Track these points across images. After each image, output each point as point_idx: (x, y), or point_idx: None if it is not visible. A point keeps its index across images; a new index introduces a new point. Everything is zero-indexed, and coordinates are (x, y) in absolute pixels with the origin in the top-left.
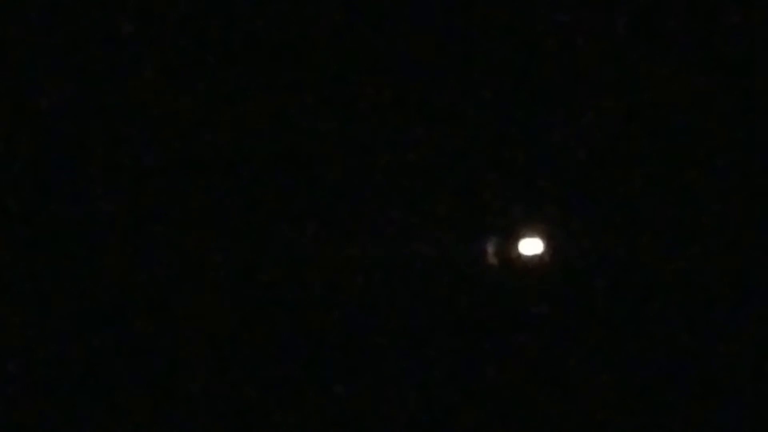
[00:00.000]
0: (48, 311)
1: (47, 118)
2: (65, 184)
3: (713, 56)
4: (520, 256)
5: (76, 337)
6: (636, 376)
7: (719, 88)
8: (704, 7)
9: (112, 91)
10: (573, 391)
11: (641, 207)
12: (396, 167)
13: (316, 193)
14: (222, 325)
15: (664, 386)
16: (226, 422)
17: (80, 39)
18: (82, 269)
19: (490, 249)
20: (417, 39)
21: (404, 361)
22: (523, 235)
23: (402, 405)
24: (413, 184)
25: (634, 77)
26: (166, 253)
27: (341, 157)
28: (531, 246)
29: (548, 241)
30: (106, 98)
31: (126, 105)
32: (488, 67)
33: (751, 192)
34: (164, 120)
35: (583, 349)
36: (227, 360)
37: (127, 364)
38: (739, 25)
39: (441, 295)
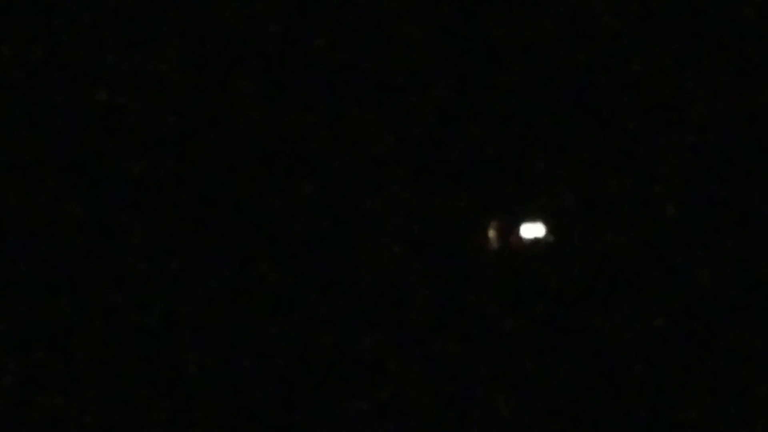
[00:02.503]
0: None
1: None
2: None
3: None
4: (521, 240)
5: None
6: (638, 360)
7: (719, 72)
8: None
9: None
10: (575, 375)
11: (644, 191)
12: (396, 151)
13: (313, 178)
14: (223, 317)
15: (665, 369)
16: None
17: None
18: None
19: (492, 233)
20: (413, 23)
21: (402, 346)
22: (525, 220)
23: (402, 388)
24: (414, 169)
25: (636, 57)
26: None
27: (339, 141)
28: (532, 230)
29: (550, 225)
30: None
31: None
32: (487, 52)
33: (753, 173)
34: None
35: (585, 334)
36: (226, 354)
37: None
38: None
39: (441, 279)
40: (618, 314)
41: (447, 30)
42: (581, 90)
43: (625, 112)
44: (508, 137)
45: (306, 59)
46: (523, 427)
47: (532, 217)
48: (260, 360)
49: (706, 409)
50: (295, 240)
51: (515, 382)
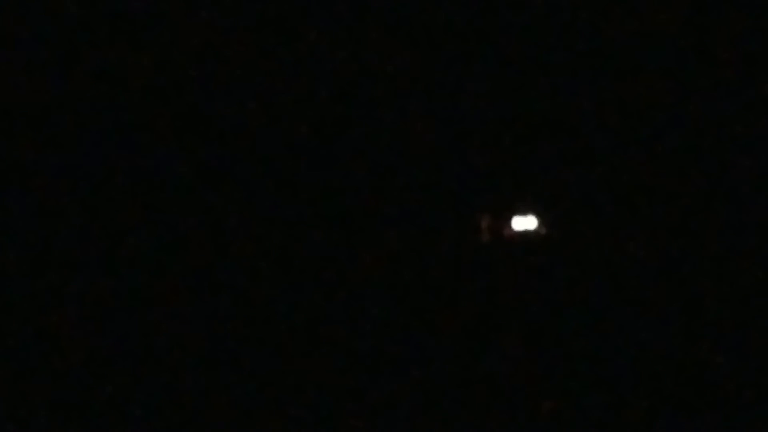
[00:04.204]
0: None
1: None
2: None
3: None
4: (513, 232)
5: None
6: (628, 351)
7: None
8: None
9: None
10: (566, 364)
11: (633, 183)
12: (390, 147)
13: (308, 173)
14: (224, 319)
15: (656, 358)
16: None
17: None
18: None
19: (484, 226)
20: (408, 19)
21: (400, 340)
22: (516, 212)
23: (400, 381)
24: (407, 164)
25: (627, 55)
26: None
27: (336, 136)
28: (524, 223)
29: (541, 217)
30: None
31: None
32: (482, 49)
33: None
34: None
35: (576, 324)
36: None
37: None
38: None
39: (435, 271)
40: (610, 303)
41: (441, 26)
42: (572, 87)
43: (615, 108)
44: (501, 132)
45: (305, 57)
46: (515, 413)
47: (523, 210)
48: (259, 356)
49: (697, 399)
50: (292, 236)
51: (509, 370)
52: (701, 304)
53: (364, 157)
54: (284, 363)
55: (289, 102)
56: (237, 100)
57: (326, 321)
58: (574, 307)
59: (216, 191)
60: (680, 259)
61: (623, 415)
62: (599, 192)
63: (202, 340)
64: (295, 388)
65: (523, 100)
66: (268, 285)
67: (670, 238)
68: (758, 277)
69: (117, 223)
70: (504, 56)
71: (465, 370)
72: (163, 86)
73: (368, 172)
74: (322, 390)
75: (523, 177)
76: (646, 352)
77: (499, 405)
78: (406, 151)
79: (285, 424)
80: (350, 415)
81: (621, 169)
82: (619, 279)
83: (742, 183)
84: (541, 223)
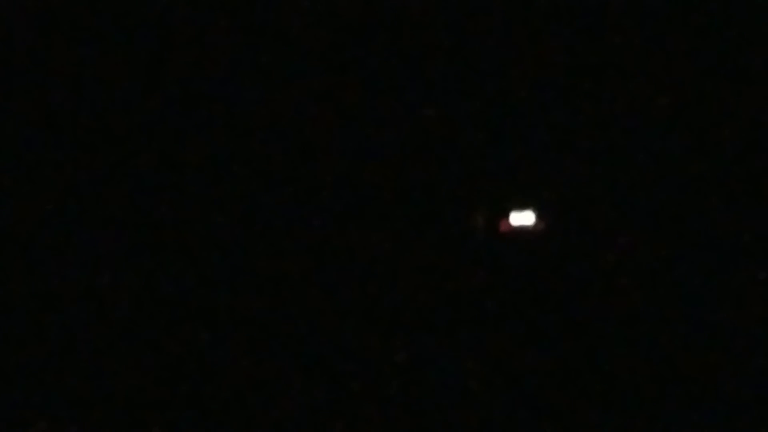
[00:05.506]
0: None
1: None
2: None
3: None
4: (511, 228)
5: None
6: (626, 344)
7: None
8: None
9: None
10: (564, 358)
11: (630, 179)
12: (387, 144)
13: (306, 170)
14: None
15: (654, 352)
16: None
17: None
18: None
19: (481, 222)
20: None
21: (398, 337)
22: (514, 208)
23: (401, 376)
24: (404, 161)
25: (623, 49)
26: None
27: (334, 133)
28: (522, 218)
29: (539, 212)
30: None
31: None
32: (480, 47)
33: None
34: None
35: (574, 318)
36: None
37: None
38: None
39: (433, 268)
40: (605, 297)
41: (437, 22)
42: (568, 81)
43: (612, 106)
44: (497, 129)
45: (301, 56)
46: (510, 405)
47: (521, 205)
48: (254, 354)
49: (690, 395)
50: (287, 232)
51: (507, 364)
52: (699, 297)
53: (360, 152)
54: (279, 362)
55: (286, 97)
56: (235, 96)
57: (321, 319)
58: (572, 302)
59: (214, 187)
60: (678, 254)
61: (622, 412)
62: (597, 186)
63: (201, 339)
64: (289, 388)
65: (519, 95)
66: (261, 285)
67: (667, 232)
68: (757, 277)
69: (116, 222)
70: (507, 58)
71: (461, 367)
72: (162, 84)
73: (364, 167)
74: (317, 390)
75: (520, 172)
76: (644, 348)
77: (498, 402)
78: (402, 146)
79: (284, 424)
80: (344, 415)
81: (618, 162)
82: (618, 273)
83: (742, 179)
84: (539, 218)
